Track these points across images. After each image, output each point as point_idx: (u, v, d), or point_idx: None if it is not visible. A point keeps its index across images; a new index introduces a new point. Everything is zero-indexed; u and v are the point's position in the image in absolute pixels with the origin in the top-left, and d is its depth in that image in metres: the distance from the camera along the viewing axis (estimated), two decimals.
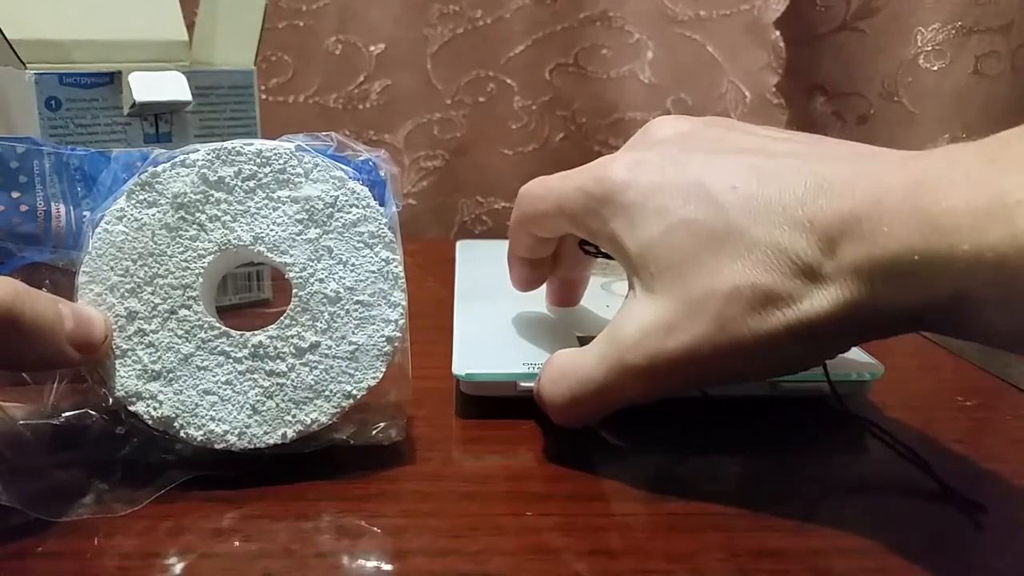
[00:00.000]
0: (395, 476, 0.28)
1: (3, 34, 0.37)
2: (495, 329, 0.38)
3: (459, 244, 0.54)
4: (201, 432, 0.27)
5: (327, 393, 0.28)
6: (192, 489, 0.27)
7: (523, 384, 0.32)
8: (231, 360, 0.27)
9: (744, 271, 0.25)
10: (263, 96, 0.60)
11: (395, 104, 0.63)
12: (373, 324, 0.28)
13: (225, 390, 0.27)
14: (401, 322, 0.28)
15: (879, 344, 0.37)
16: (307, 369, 0.27)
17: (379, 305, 0.28)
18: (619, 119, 0.65)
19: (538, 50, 0.62)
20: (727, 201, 0.26)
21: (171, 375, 0.27)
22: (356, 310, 0.28)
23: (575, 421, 0.30)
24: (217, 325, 0.27)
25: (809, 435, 0.32)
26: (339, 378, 0.28)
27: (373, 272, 0.28)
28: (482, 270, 0.48)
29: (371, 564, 0.24)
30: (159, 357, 0.27)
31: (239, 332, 0.27)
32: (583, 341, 0.36)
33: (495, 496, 0.28)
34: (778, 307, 0.24)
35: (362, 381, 0.28)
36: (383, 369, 0.28)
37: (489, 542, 0.25)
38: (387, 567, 0.24)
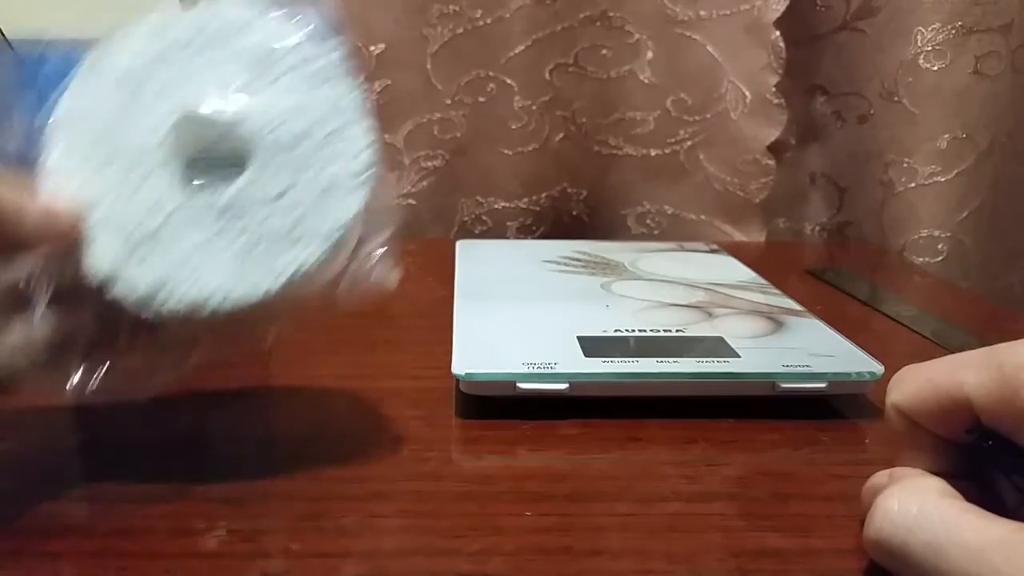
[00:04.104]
0: (394, 476, 0.29)
1: (2, 34, 0.37)
2: (495, 329, 0.38)
3: (459, 244, 0.54)
4: (184, 304, 0.26)
5: (305, 237, 0.27)
6: (192, 489, 0.27)
7: (523, 384, 0.33)
8: (204, 224, 0.26)
9: None
10: None
11: (395, 104, 0.63)
12: (341, 159, 0.27)
13: (202, 255, 0.26)
14: (370, 151, 0.27)
15: (879, 344, 0.37)
16: (280, 217, 0.27)
17: (342, 140, 0.27)
18: (619, 119, 0.65)
19: (538, 50, 0.62)
20: None
21: (146, 250, 0.26)
22: (319, 149, 0.27)
23: None
24: (185, 193, 0.27)
25: (809, 435, 0.32)
26: (315, 219, 0.27)
27: (329, 108, 0.27)
28: (482, 270, 0.48)
29: (371, 564, 0.24)
30: (130, 233, 0.26)
31: (209, 192, 0.27)
32: (583, 341, 0.36)
33: (495, 496, 0.28)
34: None
35: (339, 219, 0.27)
36: (359, 203, 0.27)
37: (489, 542, 0.25)
38: (387, 567, 0.24)
